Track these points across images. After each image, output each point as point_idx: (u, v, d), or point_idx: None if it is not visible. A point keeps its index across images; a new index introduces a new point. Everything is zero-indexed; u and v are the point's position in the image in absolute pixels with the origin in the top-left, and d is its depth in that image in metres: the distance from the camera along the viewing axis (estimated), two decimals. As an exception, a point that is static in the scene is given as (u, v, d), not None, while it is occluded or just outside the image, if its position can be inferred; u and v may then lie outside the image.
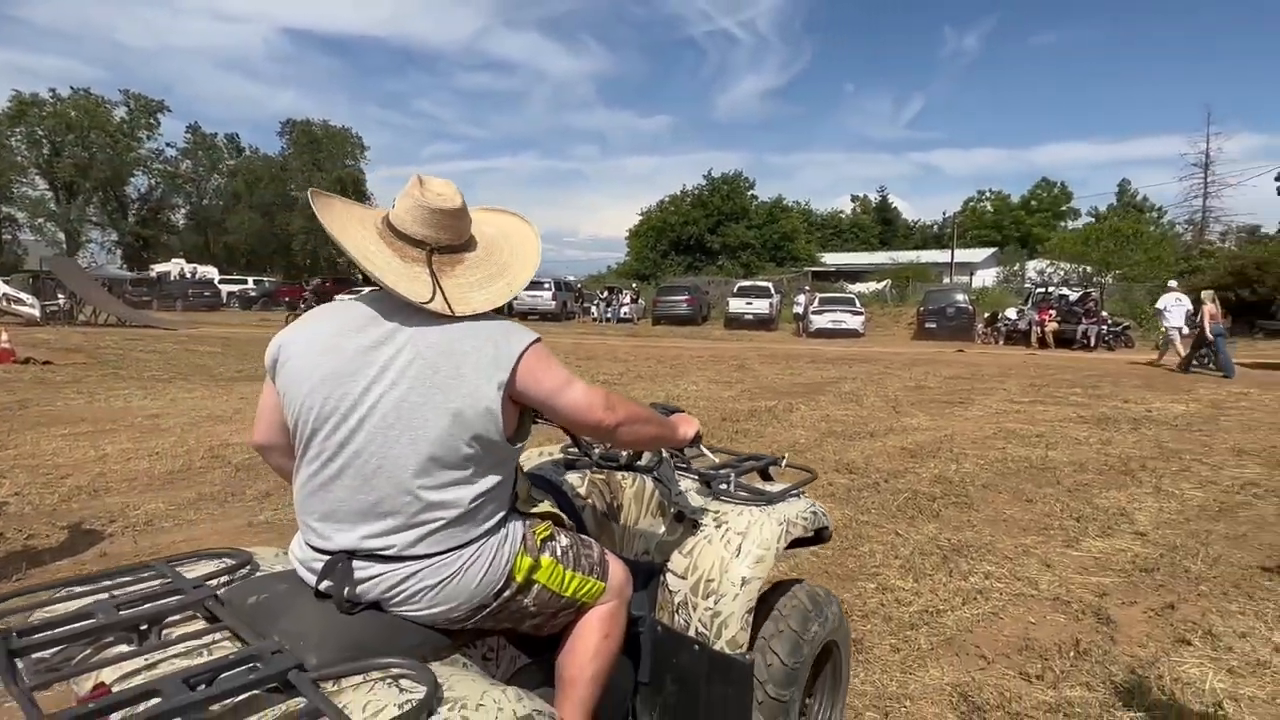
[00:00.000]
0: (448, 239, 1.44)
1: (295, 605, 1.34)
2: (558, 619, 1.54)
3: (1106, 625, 3.23)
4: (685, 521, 1.96)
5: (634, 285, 36.57)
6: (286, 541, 3.40)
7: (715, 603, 1.76)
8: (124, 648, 1.22)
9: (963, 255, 44.30)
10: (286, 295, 37.31)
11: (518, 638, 1.59)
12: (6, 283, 24.25)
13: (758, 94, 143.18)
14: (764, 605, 1.91)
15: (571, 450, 2.18)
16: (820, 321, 24.56)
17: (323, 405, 1.34)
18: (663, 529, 2.05)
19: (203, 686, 1.07)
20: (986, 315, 24.32)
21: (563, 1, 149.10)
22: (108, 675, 1.12)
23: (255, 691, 1.09)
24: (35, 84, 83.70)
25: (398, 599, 1.35)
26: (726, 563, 1.79)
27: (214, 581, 1.43)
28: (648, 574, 1.90)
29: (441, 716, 1.10)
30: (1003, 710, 2.56)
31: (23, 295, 22.87)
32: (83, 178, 46.48)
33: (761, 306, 27.23)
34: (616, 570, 1.62)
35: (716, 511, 1.94)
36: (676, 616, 1.82)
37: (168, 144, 51.78)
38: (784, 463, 2.27)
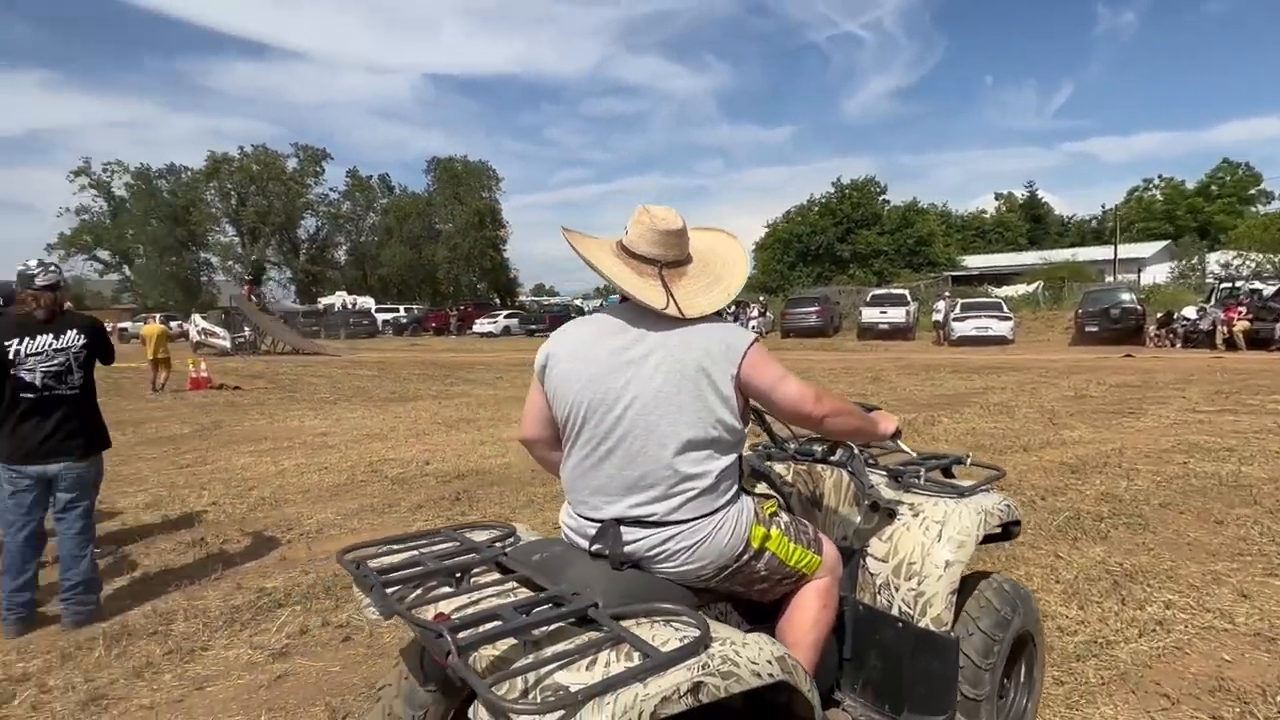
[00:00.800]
0: (673, 255, 1.73)
1: (574, 562, 1.65)
2: (780, 586, 1.77)
3: (1324, 668, 2.80)
4: (880, 511, 2.11)
5: (761, 298, 36.08)
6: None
7: (919, 584, 1.93)
8: (447, 589, 1.56)
9: (1127, 250, 40.20)
10: (433, 321, 40.13)
11: (742, 605, 1.82)
12: (204, 319, 27.81)
13: (886, 95, 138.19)
14: (962, 592, 2.03)
15: (766, 444, 2.42)
16: (963, 329, 23.05)
17: (591, 399, 1.65)
18: (859, 518, 2.18)
19: (524, 615, 1.35)
20: (1159, 316, 21.83)
21: (682, 23, 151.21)
22: (443, 607, 1.43)
23: (563, 624, 1.37)
24: (224, 144, 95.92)
25: (659, 558, 1.63)
26: (928, 547, 1.96)
27: (497, 545, 1.74)
28: (846, 558, 2.05)
29: (715, 649, 1.32)
30: (1192, 758, 2.28)
31: (217, 329, 26.11)
32: (263, 223, 52.66)
33: (897, 315, 26.00)
34: (829, 549, 1.85)
35: (911, 502, 2.10)
36: (878, 597, 1.99)
37: (331, 188, 57.69)
38: (969, 461, 2.39)
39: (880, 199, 43.88)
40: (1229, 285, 22.82)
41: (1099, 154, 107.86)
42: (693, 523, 1.62)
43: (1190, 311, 20.82)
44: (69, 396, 3.34)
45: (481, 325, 36.48)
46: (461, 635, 1.27)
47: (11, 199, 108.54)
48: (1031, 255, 44.77)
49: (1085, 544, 4.18)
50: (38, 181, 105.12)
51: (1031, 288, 33.28)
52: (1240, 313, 18.93)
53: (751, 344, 1.68)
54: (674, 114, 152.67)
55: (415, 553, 1.74)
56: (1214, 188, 52.22)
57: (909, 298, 27.31)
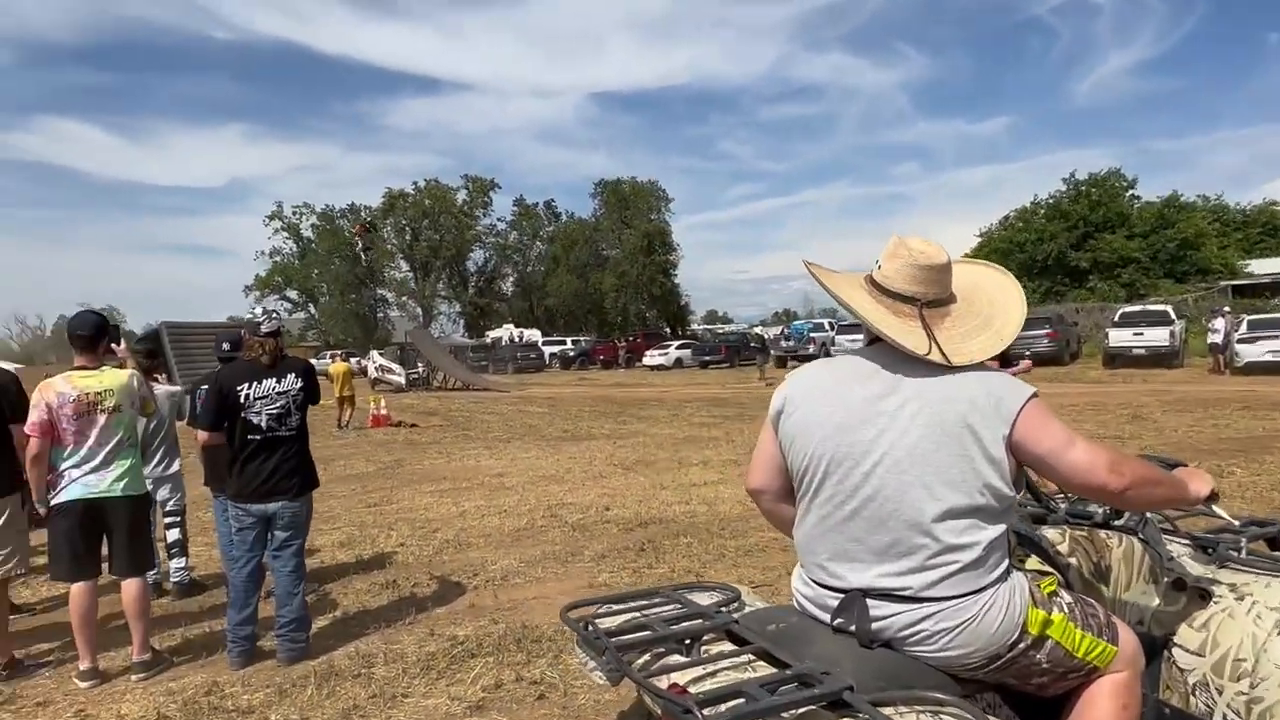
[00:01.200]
0: (934, 293, 1.66)
1: (817, 637, 1.60)
2: (1066, 680, 1.61)
3: None
4: (1188, 591, 1.91)
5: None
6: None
7: (1251, 687, 1.72)
8: (678, 657, 1.58)
9: None
10: (601, 353, 41.77)
11: (1016, 698, 1.67)
12: (381, 355, 31.06)
13: (1130, 69, 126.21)
14: None
15: (1030, 503, 2.20)
16: (1252, 353, 20.12)
17: (835, 452, 1.59)
18: (1157, 599, 2.00)
19: (770, 694, 1.33)
20: None
21: (868, 11, 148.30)
22: (678, 677, 1.44)
23: (814, 706, 1.33)
24: (399, 180, 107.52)
25: (914, 639, 1.54)
26: (1263, 641, 1.72)
27: (724, 610, 1.74)
28: (1147, 648, 1.84)
29: None
30: None
31: (393, 365, 29.01)
32: (434, 257, 58.22)
33: (1157, 336, 23.26)
34: (1127, 637, 1.66)
35: (1233, 582, 1.88)
36: (1192, 699, 1.80)
37: (498, 218, 62.47)
38: None
39: (1127, 195, 39.76)
40: None
41: None
42: (955, 601, 1.51)
43: None
44: (288, 437, 3.87)
45: (652, 357, 37.36)
46: (706, 712, 1.29)
47: (218, 245, 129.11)
48: (1347, 256, 38.36)
49: None
50: (238, 227, 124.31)
51: None
52: None
53: (1029, 399, 1.54)
54: (861, 114, 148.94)
55: (639, 614, 1.79)
56: None
57: (1172, 315, 24.37)
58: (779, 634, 1.62)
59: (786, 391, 1.74)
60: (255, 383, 3.80)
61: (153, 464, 4.88)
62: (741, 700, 1.33)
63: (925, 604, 1.52)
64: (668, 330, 55.35)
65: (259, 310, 3.98)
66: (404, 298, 59.70)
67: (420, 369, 29.38)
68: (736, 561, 5.22)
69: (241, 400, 3.76)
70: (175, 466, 5.10)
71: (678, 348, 38.46)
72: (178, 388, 5.49)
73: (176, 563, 4.99)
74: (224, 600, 4.40)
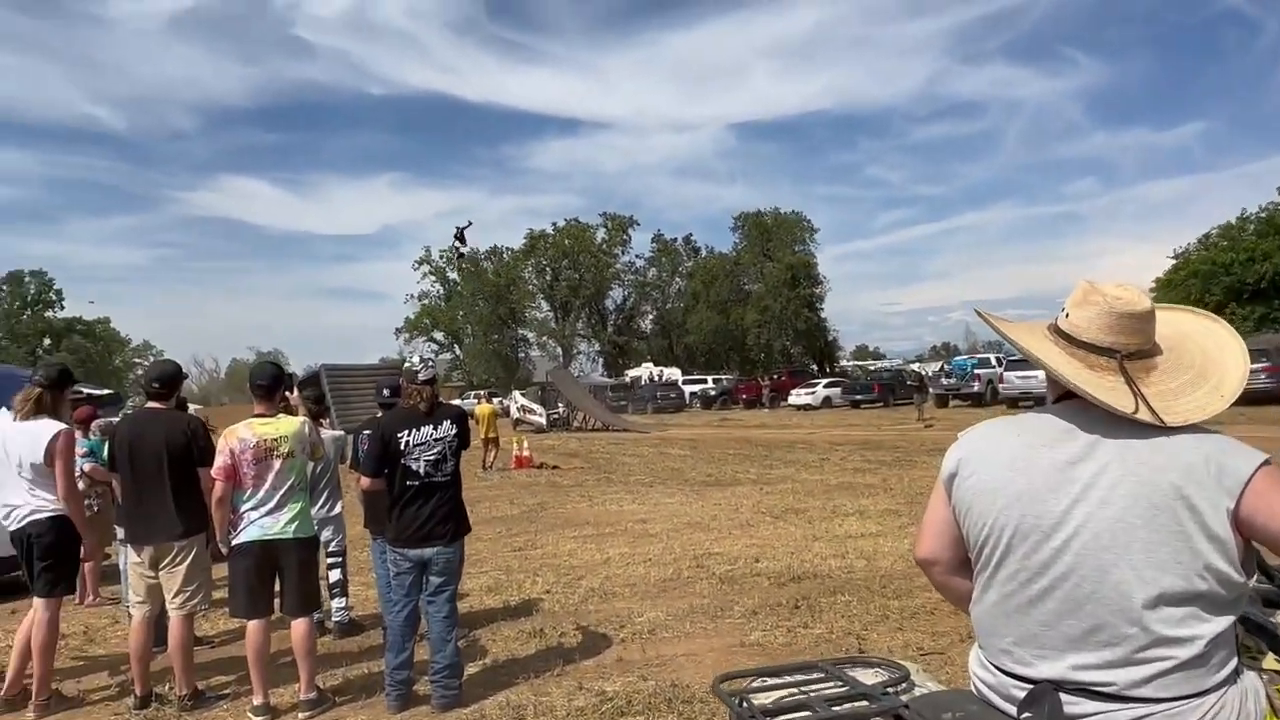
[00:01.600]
0: (1136, 344, 1.50)
1: None
2: None
3: None
4: None
5: (1172, 353, 31.12)
6: (775, 660, 3.57)
7: None
8: None
9: None
10: (744, 392, 41.49)
11: None
12: (523, 395, 32.32)
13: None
14: None
15: (1263, 582, 1.93)
16: None
17: (1020, 522, 1.46)
18: None
19: None
20: None
21: (1032, 18, 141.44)
22: None
23: None
24: (539, 221, 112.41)
25: None
26: None
27: (890, 690, 1.71)
28: None
29: None
30: None
31: (534, 405, 30.12)
32: (574, 296, 60.30)
33: None
34: None
35: None
36: None
37: (636, 255, 63.99)
38: None
39: (1364, 203, 35.48)
40: None
41: None
42: (1172, 704, 1.35)
43: None
44: (444, 483, 4.10)
45: (798, 396, 36.73)
46: None
47: (370, 289, 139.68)
48: None
49: None
50: (390, 272, 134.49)
51: None
52: None
53: (1258, 469, 1.35)
54: (1025, 128, 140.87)
55: (797, 691, 1.75)
56: None
57: None
58: None
59: (961, 451, 1.62)
60: (414, 429, 4.05)
61: (317, 505, 5.28)
62: None
63: (1134, 704, 1.36)
64: (814, 367, 54.35)
65: (416, 359, 4.25)
66: (544, 337, 62.11)
67: (561, 409, 30.32)
68: (901, 624, 4.99)
69: (402, 447, 4.01)
70: (338, 508, 5.51)
71: (825, 386, 37.71)
72: (341, 432, 5.96)
73: (337, 602, 5.36)
74: (380, 641, 4.68)
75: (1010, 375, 29.40)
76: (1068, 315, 1.57)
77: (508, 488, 12.91)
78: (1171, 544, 1.34)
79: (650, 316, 65.06)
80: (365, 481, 4.22)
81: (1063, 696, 1.40)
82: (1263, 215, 37.12)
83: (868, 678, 1.78)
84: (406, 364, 4.28)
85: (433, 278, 65.08)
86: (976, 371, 32.48)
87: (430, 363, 4.30)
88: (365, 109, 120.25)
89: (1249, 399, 21.99)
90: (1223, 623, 1.36)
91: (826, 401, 35.86)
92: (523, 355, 62.94)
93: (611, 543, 8.00)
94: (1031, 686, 1.44)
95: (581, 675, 4.41)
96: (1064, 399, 1.55)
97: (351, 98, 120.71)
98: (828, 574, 6.33)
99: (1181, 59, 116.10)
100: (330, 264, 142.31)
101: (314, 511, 5.09)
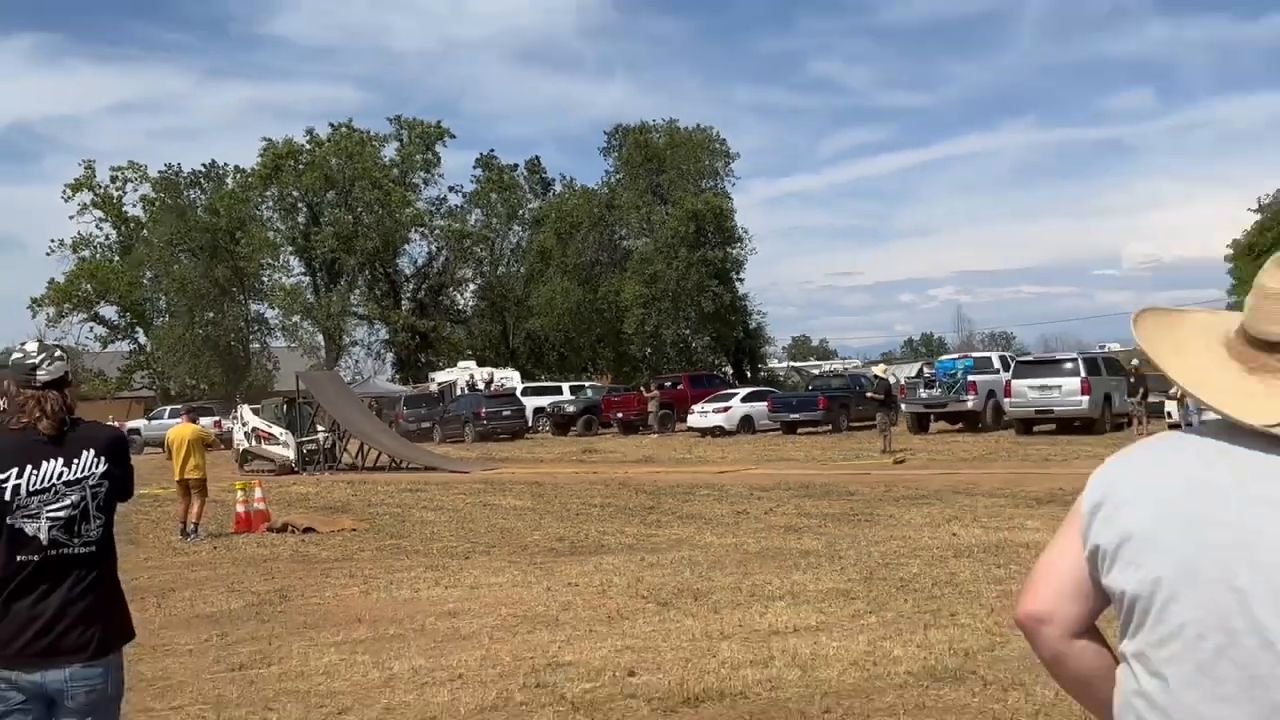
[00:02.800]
0: None
1: None
2: None
3: None
4: None
5: None
6: None
7: None
8: None
9: None
10: (620, 408, 41.48)
11: None
12: (256, 413, 31.04)
13: None
14: None
15: None
16: None
17: (1198, 577, 1.60)
18: None
19: None
20: None
21: None
22: None
23: None
24: (287, 126, 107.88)
25: None
26: None
27: None
28: None
29: None
30: None
31: (275, 430, 29.07)
32: (346, 251, 58.15)
33: None
34: None
35: None
36: None
37: (451, 187, 62.99)
38: None
39: None
40: None
41: None
42: None
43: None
44: (82, 557, 3.67)
45: (703, 415, 37.16)
46: None
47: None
48: None
49: None
50: (23, 202, 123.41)
51: None
52: None
53: None
54: (1050, 11, 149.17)
55: None
56: None
57: None
58: None
59: (1110, 478, 1.79)
60: (30, 467, 3.68)
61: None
62: None
63: None
64: (729, 371, 55.02)
65: (31, 346, 3.78)
66: (295, 318, 59.65)
67: (321, 435, 29.42)
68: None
69: (7, 498, 3.62)
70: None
71: (745, 399, 38.30)
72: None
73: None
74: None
75: (1020, 385, 30.88)
76: (1253, 311, 1.72)
77: (225, 564, 12.40)
78: None
79: (473, 287, 64.02)
80: None
81: None
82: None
83: None
84: (14, 354, 3.79)
85: (100, 213, 61.57)
86: (972, 379, 33.84)
87: (58, 352, 3.86)
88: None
89: None
90: None
91: (746, 423, 36.57)
92: (258, 347, 60.59)
93: (398, 652, 7.77)
94: None
95: None
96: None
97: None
98: (742, 692, 6.36)
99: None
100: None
101: None
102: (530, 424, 40.79)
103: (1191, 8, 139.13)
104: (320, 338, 59.41)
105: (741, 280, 59.07)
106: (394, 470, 26.85)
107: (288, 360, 55.38)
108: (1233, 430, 1.68)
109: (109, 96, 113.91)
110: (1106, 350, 35.19)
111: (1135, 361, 31.92)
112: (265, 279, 60.07)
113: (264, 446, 28.15)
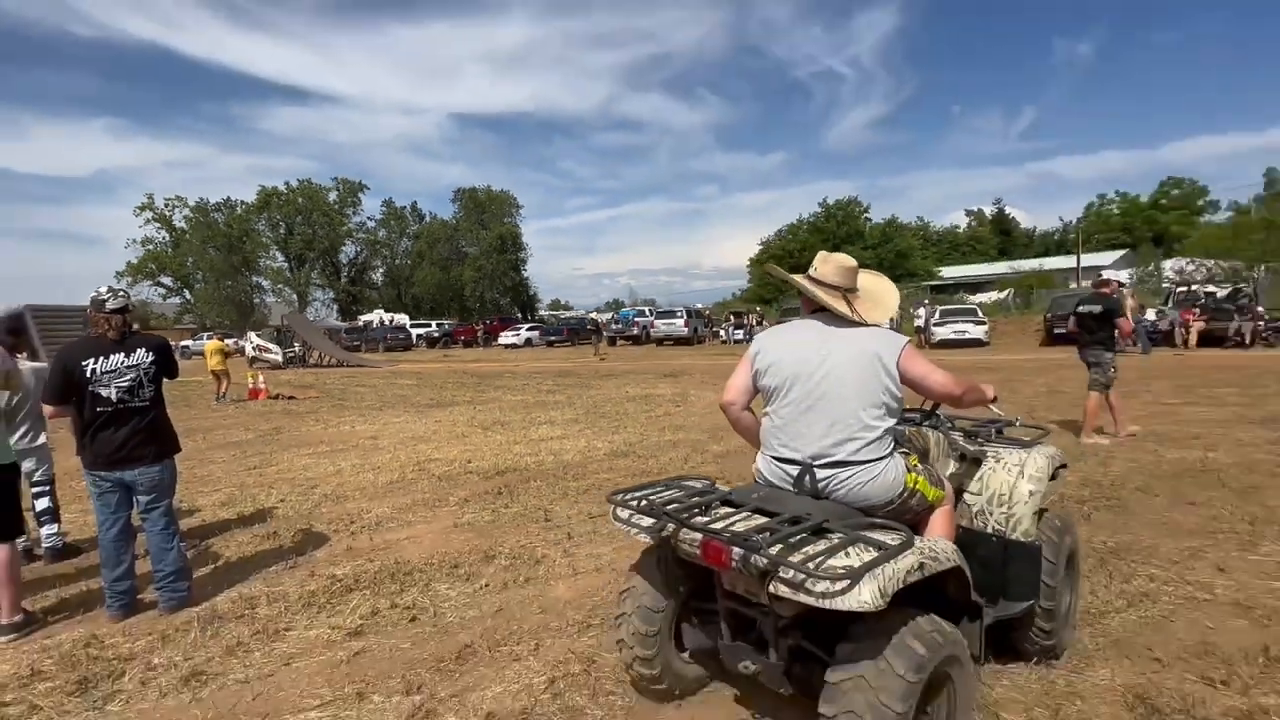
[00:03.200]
0: (847, 284, 2.27)
1: (786, 496, 2.12)
2: (919, 513, 2.23)
3: (1300, 632, 2.78)
4: (967, 461, 2.60)
5: (757, 309, 36.11)
6: (484, 538, 3.62)
7: (1009, 509, 2.46)
8: (701, 518, 2.04)
9: (1090, 259, 39.93)
10: (462, 335, 40.13)
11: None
12: (258, 336, 27.94)
13: (866, 123, 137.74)
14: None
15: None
16: (942, 332, 22.96)
17: (796, 371, 2.17)
18: (954, 465, 2.63)
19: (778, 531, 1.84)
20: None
21: (680, 63, 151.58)
22: (714, 526, 1.96)
23: (806, 534, 1.85)
24: (273, 179, 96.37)
25: (841, 492, 2.09)
26: (1013, 484, 2.48)
27: (713, 490, 2.27)
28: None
29: (920, 544, 1.84)
30: (1186, 714, 2.27)
31: (270, 345, 26.21)
32: (309, 249, 53.04)
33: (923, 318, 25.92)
34: (948, 486, 2.36)
35: (994, 452, 2.59)
36: (975, 521, 2.52)
37: (369, 217, 58.07)
38: (1019, 422, 2.88)
39: (863, 217, 43.90)
40: (1184, 289, 22.62)
41: (1060, 172, 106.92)
42: (868, 465, 2.08)
43: (1150, 314, 20.66)
44: (140, 409, 3.35)
45: (506, 338, 36.43)
46: (750, 540, 1.77)
47: (84, 233, 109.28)
48: (1002, 265, 44.53)
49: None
50: (106, 218, 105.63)
51: (1002, 295, 33.12)
52: (1195, 314, 18.80)
53: (905, 345, 2.15)
54: (674, 145, 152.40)
55: (663, 492, 2.26)
56: (1164, 201, 51.90)
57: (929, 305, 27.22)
58: (764, 498, 2.11)
59: (760, 343, 2.32)
60: (102, 358, 3.27)
61: (17, 436, 4.13)
62: (767, 534, 1.81)
63: (850, 467, 2.08)
64: (519, 315, 54.18)
65: (104, 289, 3.35)
66: (280, 285, 53.92)
67: (297, 348, 26.83)
68: (576, 499, 5.25)
69: (87, 375, 3.23)
70: (41, 439, 4.34)
71: (528, 330, 37.70)
72: (43, 364, 4.66)
73: (48, 529, 4.28)
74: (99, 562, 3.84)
75: (659, 322, 32.02)
76: (815, 269, 2.30)
77: (242, 416, 11.19)
78: (872, 378, 2.09)
79: (381, 270, 59.51)
80: (47, 409, 3.36)
81: (816, 469, 2.10)
82: (810, 220, 44.19)
83: (697, 484, 2.35)
84: (92, 294, 3.35)
85: (157, 224, 52.94)
86: (636, 319, 34.89)
87: (121, 292, 3.42)
88: (70, 47, 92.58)
89: None
90: (890, 421, 2.13)
91: (528, 342, 35.91)
92: (258, 300, 54.34)
93: (344, 457, 7.33)
94: (800, 467, 2.13)
95: (314, 565, 4.02)
96: (815, 313, 2.29)
97: (53, 34, 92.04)
98: (524, 468, 6.42)
99: (772, 108, 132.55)
100: (36, 205, 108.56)
101: (15, 441, 4.01)
102: (414, 343, 38.68)
103: (734, 149, 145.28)
104: (295, 296, 53.83)
105: (526, 270, 57.99)
106: (339, 367, 24.82)
107: (276, 309, 50.11)
108: (813, 317, 2.29)
109: (161, 157, 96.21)
110: (698, 306, 36.91)
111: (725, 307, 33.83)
112: (262, 264, 53.61)
113: (264, 354, 25.31)
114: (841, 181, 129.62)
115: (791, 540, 1.79)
